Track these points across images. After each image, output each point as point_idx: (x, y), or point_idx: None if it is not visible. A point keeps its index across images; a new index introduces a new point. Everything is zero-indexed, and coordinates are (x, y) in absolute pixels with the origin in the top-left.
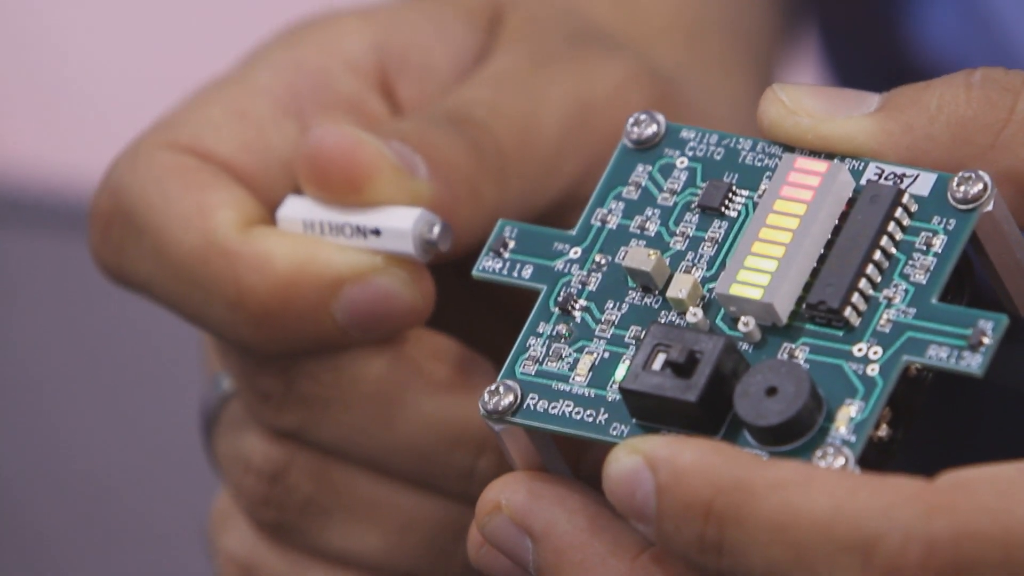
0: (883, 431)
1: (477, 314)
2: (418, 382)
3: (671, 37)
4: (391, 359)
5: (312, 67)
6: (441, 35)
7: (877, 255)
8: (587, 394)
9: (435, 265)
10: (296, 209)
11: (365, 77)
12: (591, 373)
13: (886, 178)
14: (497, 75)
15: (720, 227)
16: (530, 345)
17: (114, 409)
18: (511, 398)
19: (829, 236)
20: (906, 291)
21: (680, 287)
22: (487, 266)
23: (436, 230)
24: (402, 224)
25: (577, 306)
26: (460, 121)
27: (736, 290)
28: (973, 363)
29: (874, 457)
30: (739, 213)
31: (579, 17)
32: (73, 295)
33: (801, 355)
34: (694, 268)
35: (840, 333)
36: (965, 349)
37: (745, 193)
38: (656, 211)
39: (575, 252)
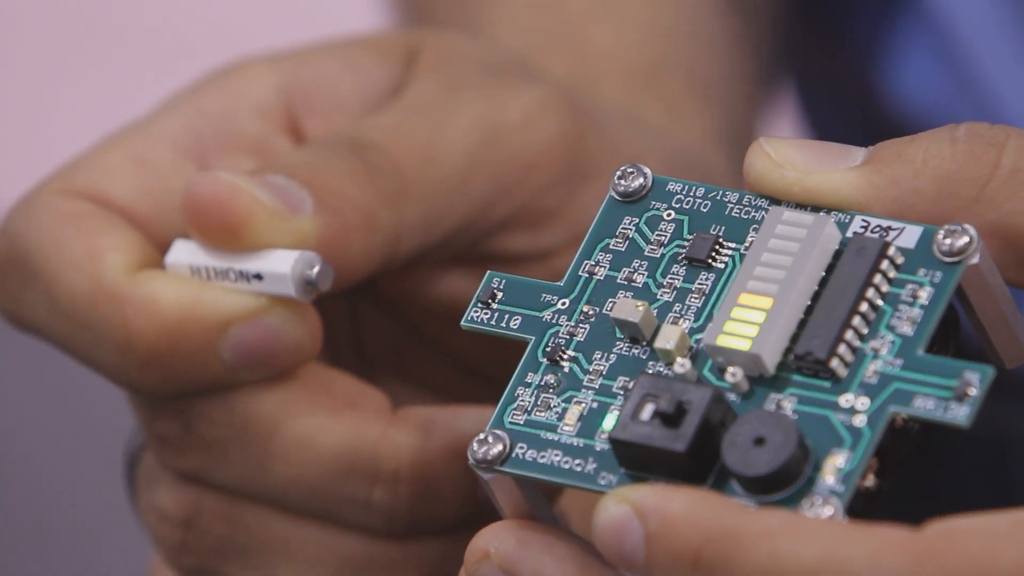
0: (870, 481)
1: (396, 336)
2: (308, 415)
3: (621, 79)
4: (280, 395)
5: (215, 111)
6: (351, 72)
7: (864, 307)
8: (576, 444)
9: (358, 291)
10: (184, 254)
11: (270, 118)
12: (579, 423)
13: (872, 231)
14: (405, 102)
15: (707, 279)
16: (519, 395)
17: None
18: (500, 447)
19: (816, 288)
20: (893, 342)
21: (668, 338)
22: (475, 317)
23: (315, 271)
24: (280, 268)
25: (565, 356)
26: (357, 147)
27: (723, 341)
28: (960, 414)
29: (861, 506)
30: (726, 265)
31: (502, 51)
32: None
33: (788, 405)
34: (681, 319)
35: (827, 384)
36: (952, 400)
37: (732, 245)
38: (643, 263)
39: (563, 303)
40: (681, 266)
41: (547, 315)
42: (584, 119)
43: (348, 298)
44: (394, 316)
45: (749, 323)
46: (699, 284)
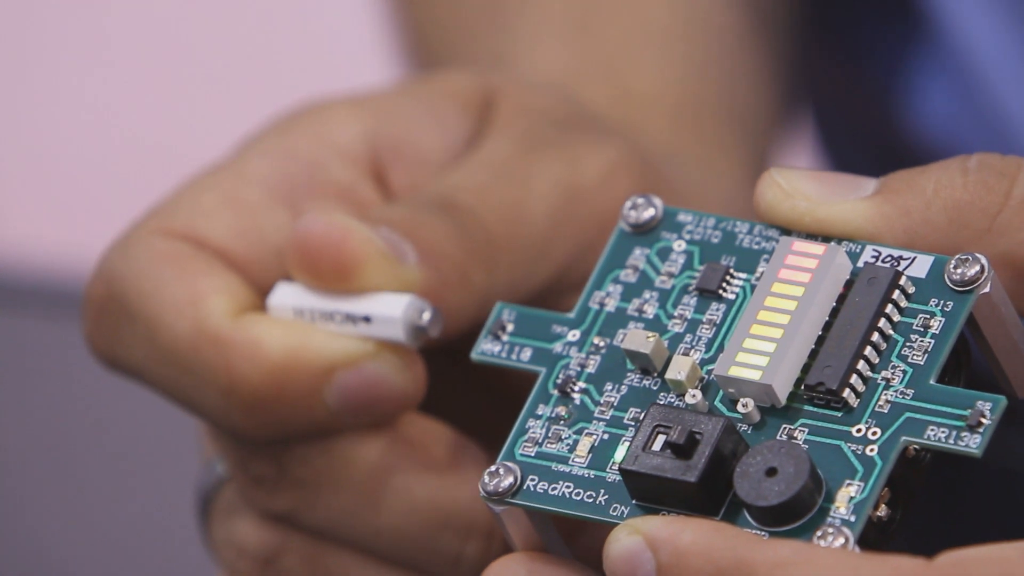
0: (882, 511)
1: (471, 397)
2: (407, 466)
3: (665, 119)
4: (382, 443)
5: (304, 155)
6: (433, 122)
7: (875, 337)
8: (587, 475)
9: (428, 350)
10: (287, 296)
11: (357, 165)
12: (591, 454)
13: (883, 260)
14: (486, 161)
15: (718, 309)
16: (529, 427)
17: (110, 496)
18: (511, 479)
19: (827, 318)
20: (904, 372)
21: (679, 369)
22: (486, 349)
23: (426, 316)
24: (392, 311)
25: (576, 388)
26: (449, 207)
27: (735, 372)
28: (972, 443)
29: (873, 537)
30: (736, 296)
31: (570, 102)
32: (71, 380)
33: (800, 436)
34: (692, 350)
35: (839, 414)
36: (964, 430)
37: (743, 276)
38: (654, 294)
39: (573, 335)
40: (692, 297)
41: (558, 347)
42: (654, 174)
43: (434, 357)
44: (478, 380)
45: (760, 353)
46: (710, 315)
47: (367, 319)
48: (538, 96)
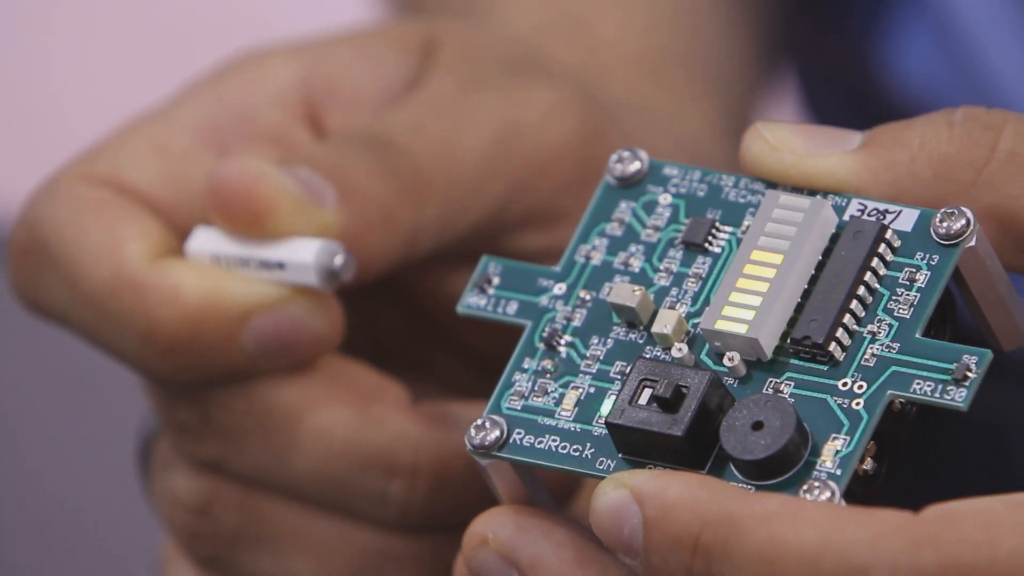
0: (868, 464)
1: (413, 332)
2: (325, 408)
3: (628, 67)
4: (300, 386)
5: (236, 101)
6: (370, 64)
7: (861, 290)
8: (573, 429)
9: (357, 289)
10: (206, 241)
11: (290, 108)
12: (577, 408)
13: (869, 214)
14: (424, 99)
15: (704, 263)
16: (515, 380)
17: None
18: (497, 433)
19: (813, 272)
20: (890, 326)
21: (665, 323)
22: (472, 302)
23: (338, 260)
24: (304, 257)
25: (562, 342)
26: (379, 144)
27: (721, 325)
28: (958, 397)
29: (859, 490)
30: (722, 249)
31: (517, 45)
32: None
33: (786, 390)
34: (679, 304)
35: (825, 368)
36: (950, 383)
37: (728, 229)
38: (640, 247)
39: (559, 288)
40: (678, 250)
41: (543, 300)
42: (600, 116)
43: (366, 294)
44: (411, 312)
45: (746, 307)
46: (696, 268)
47: (281, 265)
48: (483, 38)
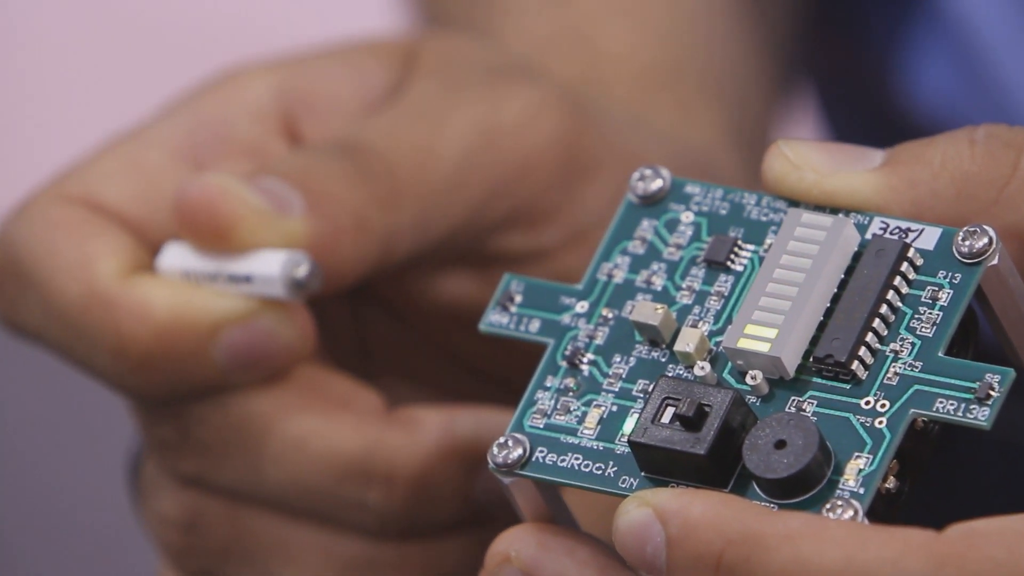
0: (891, 483)
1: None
2: (300, 417)
3: (631, 79)
4: (274, 397)
5: (212, 116)
6: (349, 75)
7: (883, 309)
8: (596, 447)
9: (359, 293)
10: (175, 257)
11: (267, 122)
12: (599, 426)
13: (891, 232)
14: (402, 104)
15: (726, 281)
16: (538, 399)
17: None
18: (520, 451)
19: (835, 290)
20: (913, 344)
21: (687, 341)
22: (494, 320)
23: (302, 271)
24: (269, 269)
25: (585, 360)
26: (352, 150)
27: (744, 344)
28: (981, 416)
29: (882, 509)
30: (745, 267)
31: (501, 53)
32: None
33: (809, 408)
34: (701, 322)
35: (847, 386)
36: (972, 402)
37: (751, 247)
38: (662, 265)
39: (582, 306)
40: (700, 269)
41: (566, 318)
42: (582, 118)
43: (350, 300)
44: (395, 317)
45: (769, 326)
46: (718, 287)
47: (247, 278)
48: (466, 46)
